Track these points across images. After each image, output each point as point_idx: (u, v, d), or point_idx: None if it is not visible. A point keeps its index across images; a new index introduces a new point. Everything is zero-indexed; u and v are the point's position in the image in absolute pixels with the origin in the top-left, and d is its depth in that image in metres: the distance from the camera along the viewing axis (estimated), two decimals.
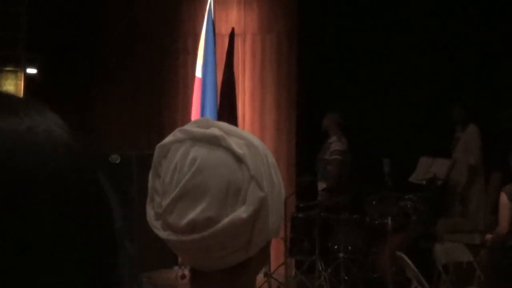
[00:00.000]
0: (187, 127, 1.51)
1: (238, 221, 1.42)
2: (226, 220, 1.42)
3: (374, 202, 9.41)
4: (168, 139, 1.50)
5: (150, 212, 1.50)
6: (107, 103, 11.23)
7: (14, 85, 9.95)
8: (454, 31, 10.76)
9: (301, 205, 9.72)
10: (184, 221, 1.42)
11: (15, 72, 10.06)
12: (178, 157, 1.46)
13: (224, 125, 1.51)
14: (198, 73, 9.61)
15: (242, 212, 1.42)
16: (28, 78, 10.13)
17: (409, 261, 8.18)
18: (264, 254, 1.51)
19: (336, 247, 9.29)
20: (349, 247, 9.26)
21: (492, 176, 9.16)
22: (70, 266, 0.73)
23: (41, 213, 0.71)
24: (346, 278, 9.12)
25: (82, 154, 0.78)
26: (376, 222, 9.25)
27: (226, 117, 9.20)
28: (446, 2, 10.85)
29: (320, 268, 9.11)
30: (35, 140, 0.74)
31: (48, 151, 0.74)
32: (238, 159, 1.45)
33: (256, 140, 1.50)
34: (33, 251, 0.71)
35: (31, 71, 10.29)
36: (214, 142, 1.46)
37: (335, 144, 10.13)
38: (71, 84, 10.67)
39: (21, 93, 9.97)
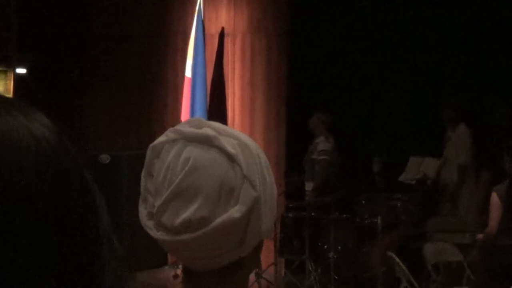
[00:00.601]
0: (180, 127, 1.51)
1: (231, 221, 1.42)
2: (219, 220, 1.42)
3: (364, 202, 9.42)
4: (161, 139, 1.50)
5: (142, 212, 1.50)
6: (97, 103, 11.21)
7: (3, 85, 9.94)
8: (444, 31, 10.79)
9: (291, 205, 9.73)
10: (177, 221, 1.43)
11: (4, 72, 10.05)
12: (171, 157, 1.46)
13: (217, 125, 1.51)
14: (188, 72, 9.62)
15: (235, 211, 1.43)
16: (18, 78, 10.11)
17: (399, 261, 8.19)
18: (257, 254, 1.52)
19: (326, 246, 9.30)
20: (339, 247, 9.26)
21: (481, 175, 9.18)
22: (53, 264, 0.72)
23: (20, 215, 0.71)
24: (336, 277, 9.13)
25: (67, 154, 0.77)
26: (366, 222, 9.26)
27: (215, 116, 9.21)
28: (434, 2, 10.87)
29: (310, 267, 9.12)
30: (16, 140, 0.73)
31: (29, 151, 0.73)
32: (231, 159, 1.45)
33: (248, 140, 1.51)
34: (13, 252, 0.70)
35: (21, 71, 10.28)
36: (206, 142, 1.46)
37: (323, 144, 10.12)
38: (61, 84, 10.66)
39: (10, 93, 9.95)
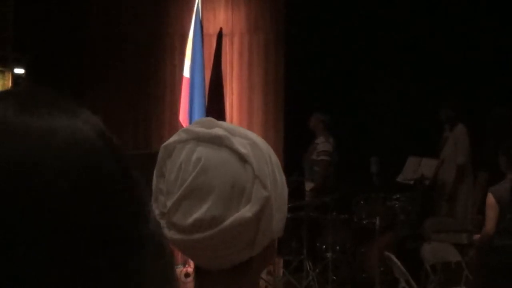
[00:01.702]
0: (191, 127, 1.52)
1: (243, 221, 1.43)
2: (230, 220, 1.42)
3: (362, 202, 9.43)
4: (173, 139, 1.51)
5: (154, 211, 1.51)
6: (94, 103, 11.20)
7: (1, 85, 9.92)
8: (441, 31, 10.80)
9: (289, 205, 9.71)
10: (189, 220, 1.43)
11: (2, 72, 10.03)
12: (182, 157, 1.47)
13: (228, 125, 1.52)
14: (186, 73, 9.60)
15: (246, 211, 1.43)
16: (16, 78, 10.10)
17: (397, 261, 8.20)
18: (268, 253, 1.52)
19: (324, 247, 9.31)
20: (337, 247, 9.27)
21: (479, 176, 9.19)
22: (92, 271, 0.70)
23: (58, 220, 0.68)
24: (334, 278, 9.14)
25: (112, 156, 0.75)
26: (364, 222, 9.27)
27: (214, 116, 9.15)
28: (432, 3, 10.88)
29: (308, 268, 9.12)
30: (56, 142, 0.71)
31: (68, 154, 0.71)
32: (242, 159, 1.46)
33: (259, 140, 1.51)
34: (50, 259, 0.68)
35: (19, 71, 10.26)
36: (218, 142, 1.47)
37: (323, 144, 10.14)
38: (58, 84, 10.62)
39: None
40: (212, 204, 1.42)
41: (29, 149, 0.69)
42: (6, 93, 0.76)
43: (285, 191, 1.53)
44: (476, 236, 7.62)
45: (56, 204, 0.68)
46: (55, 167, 0.69)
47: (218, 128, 1.50)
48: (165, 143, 1.51)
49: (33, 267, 0.67)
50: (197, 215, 1.43)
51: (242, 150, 1.46)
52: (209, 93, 9.58)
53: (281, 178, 1.52)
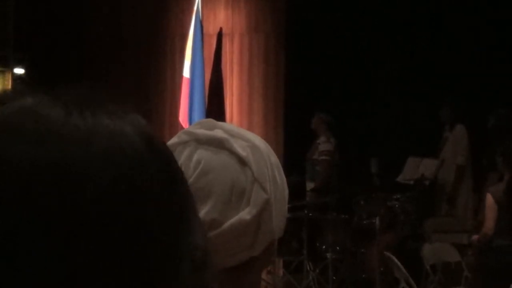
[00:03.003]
0: (192, 128, 1.52)
1: (242, 223, 1.43)
2: (230, 222, 1.42)
3: (362, 202, 9.44)
4: (173, 140, 1.51)
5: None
6: None
7: (2, 86, 9.93)
8: (441, 31, 10.80)
9: (289, 205, 9.69)
10: None
11: (2, 72, 10.04)
12: (182, 159, 1.47)
13: (228, 126, 1.52)
14: (186, 73, 9.59)
15: (245, 213, 1.43)
16: (16, 78, 10.10)
17: (397, 261, 8.21)
18: (268, 253, 1.52)
19: (324, 247, 9.31)
20: (337, 247, 9.27)
21: (488, 177, 9.12)
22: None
23: (95, 229, 0.65)
24: (334, 278, 9.14)
25: (158, 164, 0.70)
26: (364, 222, 9.28)
27: (214, 117, 9.11)
28: (432, 3, 10.89)
29: (308, 268, 9.13)
30: (96, 147, 0.67)
31: (108, 161, 0.67)
32: (242, 161, 1.46)
33: (259, 142, 1.51)
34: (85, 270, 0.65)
35: (19, 71, 10.27)
36: (218, 144, 1.47)
37: (324, 144, 10.15)
38: (59, 85, 10.63)
39: None
40: (211, 206, 1.43)
41: (70, 152, 0.66)
42: (49, 92, 0.73)
43: (285, 192, 1.53)
44: (475, 237, 7.64)
45: (92, 212, 0.65)
46: (94, 172, 0.66)
47: (218, 130, 1.49)
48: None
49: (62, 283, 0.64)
50: None
51: (242, 153, 1.46)
52: (209, 93, 9.57)
53: (281, 179, 1.52)
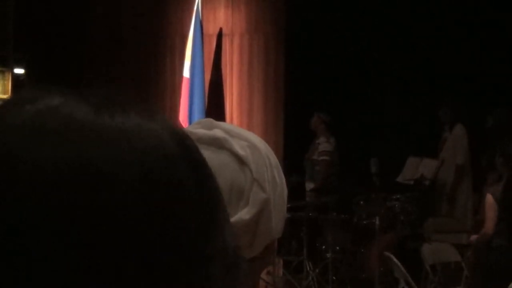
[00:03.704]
0: (191, 128, 1.52)
1: (241, 223, 1.43)
2: None
3: (361, 202, 9.44)
4: None
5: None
6: None
7: (1, 86, 9.93)
8: (441, 32, 10.80)
9: (289, 205, 9.71)
10: None
11: (2, 72, 10.04)
12: None
13: (227, 126, 1.52)
14: (186, 73, 9.61)
15: (244, 213, 1.43)
16: (16, 79, 10.10)
17: (397, 261, 8.20)
18: (267, 253, 1.52)
19: (324, 247, 9.31)
20: (337, 247, 9.28)
21: (488, 177, 9.12)
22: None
23: (118, 231, 0.64)
24: (334, 278, 9.14)
25: (187, 165, 0.69)
26: (364, 222, 9.28)
27: (214, 117, 9.12)
28: (432, 4, 10.88)
29: (308, 268, 9.13)
30: (128, 143, 0.66)
31: (133, 162, 0.65)
32: (241, 161, 1.45)
33: (259, 141, 1.51)
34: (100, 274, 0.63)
35: (19, 71, 10.27)
36: (217, 144, 1.47)
37: (324, 145, 10.15)
38: (59, 85, 10.62)
39: (8, 94, 9.95)
40: None
41: (101, 152, 0.65)
42: (77, 92, 0.71)
43: (284, 192, 1.53)
44: (474, 237, 7.64)
45: (121, 213, 0.64)
46: (123, 172, 0.65)
47: (217, 130, 1.49)
48: None
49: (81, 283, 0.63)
50: None
51: (241, 152, 1.46)
52: (209, 93, 9.59)
53: (280, 179, 1.52)
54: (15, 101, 0.69)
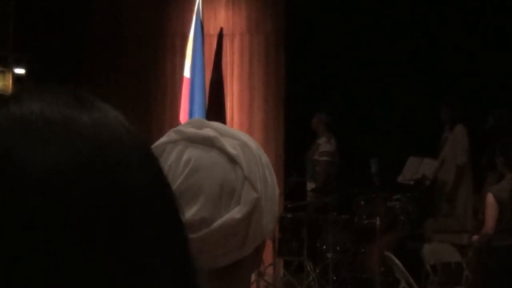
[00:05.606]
0: (181, 127, 1.51)
1: (232, 222, 1.42)
2: (220, 221, 1.42)
3: (362, 203, 9.43)
4: (163, 139, 1.51)
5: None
6: None
7: (2, 86, 9.93)
8: (441, 32, 10.80)
9: (290, 206, 9.73)
10: None
11: (2, 72, 10.04)
12: (172, 158, 1.46)
13: (218, 125, 1.51)
14: (187, 73, 9.59)
15: (236, 212, 1.43)
16: (16, 78, 10.10)
17: (397, 261, 8.20)
18: (258, 253, 1.52)
19: (324, 247, 9.31)
20: (338, 247, 9.27)
21: (488, 177, 9.12)
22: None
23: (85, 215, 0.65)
24: (335, 278, 9.13)
25: (140, 154, 0.73)
26: (364, 223, 9.27)
27: (214, 117, 9.19)
28: (432, 4, 10.88)
29: (309, 268, 9.12)
30: (102, 135, 0.69)
31: (112, 150, 0.68)
32: (232, 160, 1.45)
33: (250, 141, 1.50)
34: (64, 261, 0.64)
35: (19, 71, 10.27)
36: (208, 143, 1.46)
37: (325, 145, 10.14)
38: (59, 85, 10.63)
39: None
40: (201, 205, 1.42)
41: (81, 147, 0.67)
42: (45, 91, 0.75)
43: (275, 192, 1.52)
44: (475, 237, 7.63)
45: (78, 210, 0.65)
46: (95, 163, 0.67)
47: (208, 129, 1.49)
48: (155, 144, 1.50)
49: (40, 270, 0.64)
50: (186, 216, 1.41)
51: (232, 151, 1.45)
52: (209, 93, 9.56)
53: (271, 179, 1.51)
54: None
